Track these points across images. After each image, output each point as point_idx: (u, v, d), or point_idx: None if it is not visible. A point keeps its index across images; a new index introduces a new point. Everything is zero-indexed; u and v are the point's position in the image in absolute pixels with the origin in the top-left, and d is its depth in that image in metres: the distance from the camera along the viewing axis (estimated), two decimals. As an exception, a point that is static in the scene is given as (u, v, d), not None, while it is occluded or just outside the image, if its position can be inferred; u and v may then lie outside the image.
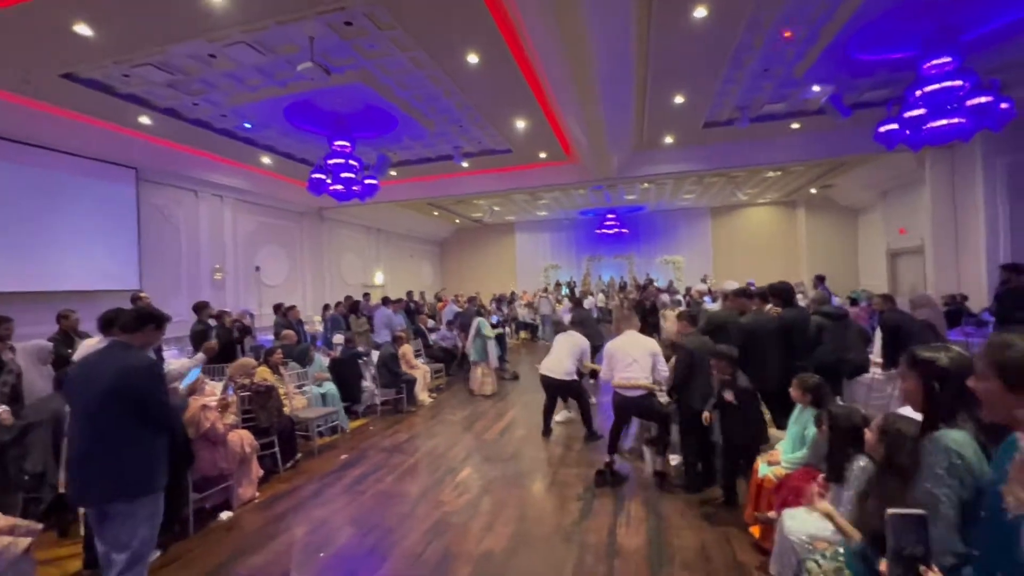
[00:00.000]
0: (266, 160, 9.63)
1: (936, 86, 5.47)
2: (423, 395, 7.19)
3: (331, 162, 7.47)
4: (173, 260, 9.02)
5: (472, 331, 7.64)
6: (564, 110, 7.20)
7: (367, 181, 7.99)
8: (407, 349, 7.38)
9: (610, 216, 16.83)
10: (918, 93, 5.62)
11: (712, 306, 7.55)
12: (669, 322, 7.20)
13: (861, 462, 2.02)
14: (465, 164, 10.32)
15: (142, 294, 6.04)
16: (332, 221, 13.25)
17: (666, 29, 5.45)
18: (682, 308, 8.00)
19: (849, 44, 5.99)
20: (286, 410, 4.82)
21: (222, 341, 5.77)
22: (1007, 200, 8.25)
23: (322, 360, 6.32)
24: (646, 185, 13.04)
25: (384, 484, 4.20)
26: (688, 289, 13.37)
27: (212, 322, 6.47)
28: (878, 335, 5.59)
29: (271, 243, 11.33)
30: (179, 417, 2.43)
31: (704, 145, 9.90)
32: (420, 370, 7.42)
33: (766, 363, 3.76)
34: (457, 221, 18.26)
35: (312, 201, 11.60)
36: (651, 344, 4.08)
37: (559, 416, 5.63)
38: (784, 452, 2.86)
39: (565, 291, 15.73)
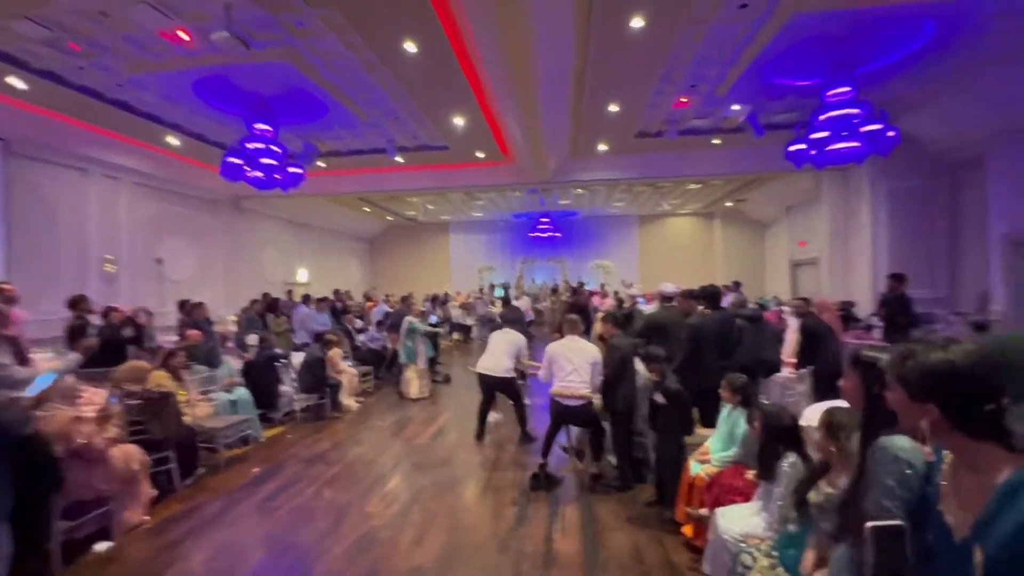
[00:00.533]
0: (173, 140, 8.63)
1: (836, 112, 6.06)
2: (349, 400, 6.75)
3: (250, 147, 6.82)
4: (50, 248, 7.76)
5: (403, 331, 7.32)
6: (503, 110, 7.13)
7: (291, 170, 7.41)
8: (336, 353, 6.90)
9: (544, 220, 17.08)
10: (822, 118, 6.19)
11: (646, 308, 7.81)
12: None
13: (791, 459, 2.10)
14: (399, 159, 9.93)
15: (5, 286, 5.11)
16: (251, 212, 12.20)
17: (605, 37, 5.55)
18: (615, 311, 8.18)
19: (766, 69, 6.48)
20: (187, 419, 4.27)
21: (105, 340, 5.03)
22: (888, 220, 9.39)
23: (232, 364, 5.72)
24: (580, 191, 13.36)
25: (303, 498, 3.83)
26: (616, 292, 13.87)
27: (96, 319, 5.63)
28: (788, 336, 6.06)
29: (177, 233, 10.16)
30: (21, 431, 1.97)
31: (635, 155, 10.29)
32: (347, 373, 6.98)
33: (706, 362, 3.93)
34: (389, 218, 17.62)
35: (228, 189, 10.57)
36: (593, 351, 4.07)
37: (488, 418, 5.52)
38: (714, 450, 2.95)
39: (499, 292, 15.68)
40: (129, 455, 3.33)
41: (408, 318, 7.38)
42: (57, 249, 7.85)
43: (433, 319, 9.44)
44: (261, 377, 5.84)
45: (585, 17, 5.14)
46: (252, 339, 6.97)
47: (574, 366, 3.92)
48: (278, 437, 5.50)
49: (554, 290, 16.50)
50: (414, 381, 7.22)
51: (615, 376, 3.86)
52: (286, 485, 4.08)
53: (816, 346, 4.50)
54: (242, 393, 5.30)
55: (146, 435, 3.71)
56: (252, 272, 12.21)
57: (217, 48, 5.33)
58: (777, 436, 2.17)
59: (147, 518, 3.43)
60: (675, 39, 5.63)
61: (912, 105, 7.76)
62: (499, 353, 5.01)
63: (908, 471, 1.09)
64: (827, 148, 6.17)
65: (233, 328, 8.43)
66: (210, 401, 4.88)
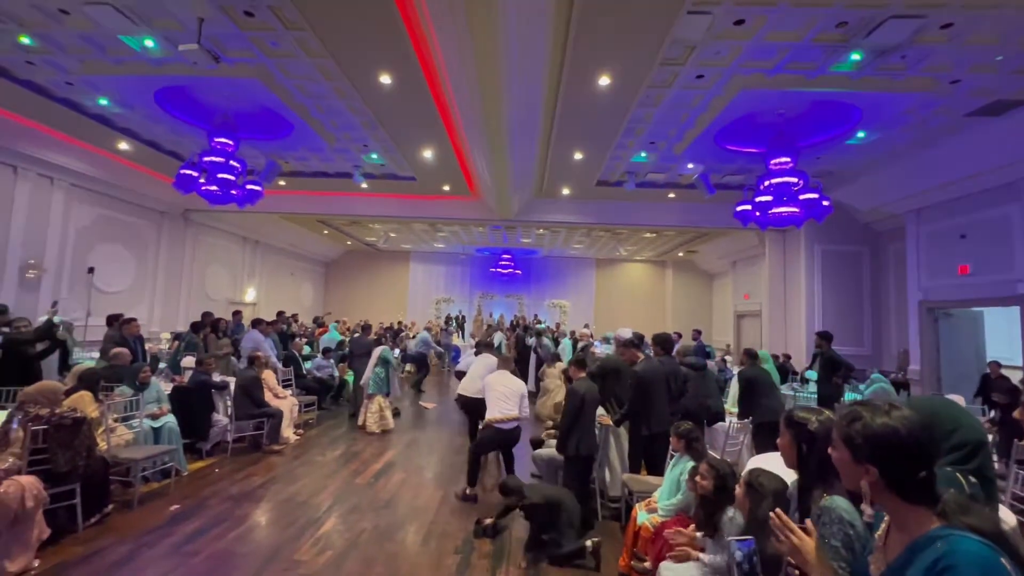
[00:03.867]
0: (124, 146, 8.21)
1: (779, 180, 6.59)
2: (288, 431, 6.35)
3: (208, 160, 6.58)
4: (-38, 248, 7.06)
5: (373, 360, 7.06)
6: (472, 148, 7.29)
7: (249, 186, 7.18)
8: (269, 375, 6.52)
9: (505, 256, 17.26)
10: (766, 183, 6.72)
11: (600, 351, 7.93)
12: (556, 372, 7.32)
13: (730, 513, 2.15)
14: (364, 185, 9.87)
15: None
16: (200, 226, 11.63)
17: (574, 90, 5.86)
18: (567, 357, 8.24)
19: (718, 135, 7.02)
20: (101, 447, 3.87)
21: (7, 354, 4.55)
22: (821, 279, 10.17)
23: (161, 387, 5.28)
24: (542, 231, 13.68)
25: (224, 542, 3.50)
26: (572, 332, 14.06)
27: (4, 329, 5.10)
28: (732, 386, 6.30)
29: (114, 242, 9.50)
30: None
31: (596, 201, 10.73)
32: (288, 402, 6.59)
33: (655, 408, 4.02)
34: (349, 243, 17.27)
35: (177, 200, 10.08)
36: (520, 385, 4.64)
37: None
38: (660, 499, 2.96)
39: (453, 325, 15.74)
40: (25, 488, 2.95)
41: (381, 347, 7.17)
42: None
43: (398, 352, 9.20)
44: (192, 403, 5.41)
45: (557, 70, 5.42)
46: (188, 361, 6.50)
47: (506, 395, 4.52)
48: (205, 471, 5.06)
49: (512, 326, 16.57)
50: (381, 412, 6.97)
51: (571, 420, 3.87)
52: (207, 526, 3.73)
53: (754, 396, 4.70)
54: (168, 420, 4.87)
55: (48, 466, 3.32)
56: (194, 289, 11.53)
57: (182, 58, 5.20)
58: (716, 492, 2.22)
59: (36, 563, 3.01)
60: (638, 99, 6.02)
61: (844, 178, 8.59)
62: (475, 377, 5.42)
63: (850, 531, 1.13)
64: (770, 211, 6.66)
65: (165, 347, 7.86)
66: (130, 428, 4.46)
